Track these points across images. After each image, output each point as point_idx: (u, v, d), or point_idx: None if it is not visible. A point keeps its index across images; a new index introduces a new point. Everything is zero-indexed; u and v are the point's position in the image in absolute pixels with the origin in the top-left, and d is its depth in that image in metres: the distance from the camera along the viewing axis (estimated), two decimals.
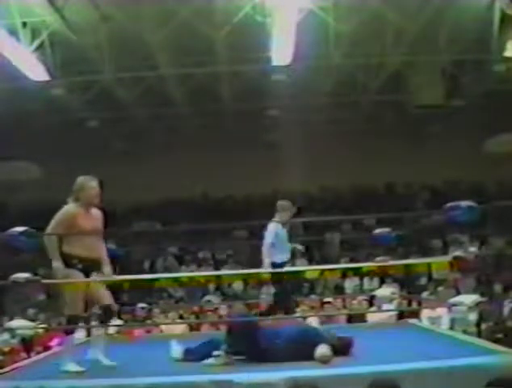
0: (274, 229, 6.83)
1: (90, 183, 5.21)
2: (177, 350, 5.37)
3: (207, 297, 12.92)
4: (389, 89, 14.76)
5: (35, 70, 12.03)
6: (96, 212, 5.21)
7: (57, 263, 4.89)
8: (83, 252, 4.98)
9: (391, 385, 3.38)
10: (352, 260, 13.91)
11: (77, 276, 4.95)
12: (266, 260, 6.80)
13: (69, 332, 5.06)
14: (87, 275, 5.00)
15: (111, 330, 8.22)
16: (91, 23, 11.66)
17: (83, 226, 5.02)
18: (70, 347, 5.04)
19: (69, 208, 5.10)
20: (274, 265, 6.80)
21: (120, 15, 11.58)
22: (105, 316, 5.12)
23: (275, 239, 6.82)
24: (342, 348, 5.03)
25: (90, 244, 5.04)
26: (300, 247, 7.35)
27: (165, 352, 5.46)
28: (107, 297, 5.11)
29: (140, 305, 10.27)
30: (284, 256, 6.92)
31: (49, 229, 4.98)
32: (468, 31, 12.44)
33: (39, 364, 5.57)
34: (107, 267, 5.17)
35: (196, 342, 5.47)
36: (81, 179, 5.25)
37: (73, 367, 4.83)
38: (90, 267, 5.01)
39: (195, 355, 5.22)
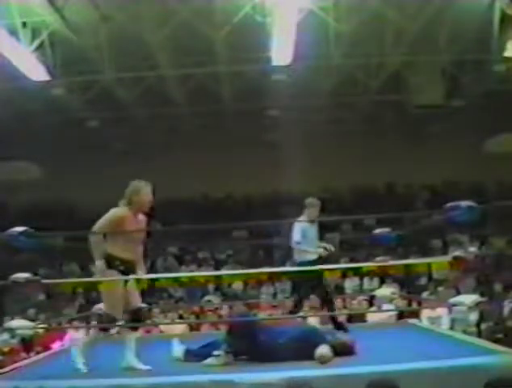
0: (300, 227, 6.76)
1: (145, 189, 5.13)
2: (178, 350, 5.36)
3: (207, 297, 12.93)
4: (389, 89, 14.75)
5: (35, 70, 12.03)
6: (141, 217, 5.18)
7: (99, 262, 4.88)
8: (126, 254, 4.98)
9: (389, 385, 3.38)
10: (352, 260, 13.91)
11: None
12: (306, 250, 6.75)
13: (105, 330, 5.08)
14: (126, 276, 5.03)
15: (112, 330, 8.23)
16: (91, 23, 11.65)
17: (130, 231, 5.03)
18: (88, 344, 5.06)
19: (119, 211, 5.07)
20: (303, 264, 6.73)
21: (120, 15, 11.58)
22: (136, 318, 5.11)
23: (302, 237, 6.75)
24: (342, 350, 5.03)
25: (132, 247, 5.06)
26: (329, 246, 7.20)
27: (165, 352, 5.47)
28: (138, 300, 5.13)
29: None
30: (313, 254, 6.81)
31: (96, 228, 4.98)
32: (468, 31, 12.44)
33: (39, 364, 5.58)
34: (142, 270, 5.20)
35: (196, 342, 5.48)
36: (137, 184, 5.16)
37: (81, 365, 4.87)
38: (130, 268, 5.03)
39: (196, 357, 5.21)
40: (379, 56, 13.33)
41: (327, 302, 7.02)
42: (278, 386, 4.03)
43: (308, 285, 6.85)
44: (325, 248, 6.95)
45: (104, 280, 5.00)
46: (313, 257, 6.81)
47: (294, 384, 3.88)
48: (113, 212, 5.05)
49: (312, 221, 6.80)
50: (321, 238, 7.20)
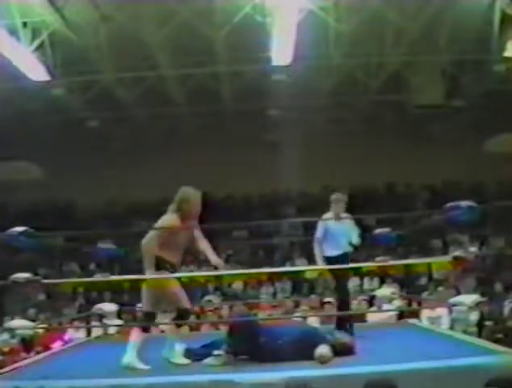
0: (322, 224, 6.60)
1: (195, 197, 5.24)
2: (179, 351, 5.33)
3: (207, 297, 12.92)
4: (389, 89, 14.75)
5: (35, 70, 12.03)
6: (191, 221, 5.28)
7: (151, 271, 5.04)
8: (172, 258, 5.14)
9: (387, 385, 3.37)
10: (352, 260, 13.88)
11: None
12: (316, 254, 6.58)
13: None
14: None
15: (111, 330, 8.25)
16: (91, 23, 11.66)
17: (178, 237, 5.17)
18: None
19: (168, 219, 5.19)
20: (325, 260, 6.54)
21: (120, 15, 11.58)
22: (182, 317, 5.19)
23: (324, 233, 6.57)
24: (342, 350, 5.03)
25: (178, 251, 5.21)
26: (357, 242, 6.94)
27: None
28: (186, 301, 5.18)
29: (139, 305, 10.23)
30: (336, 251, 6.55)
31: (149, 236, 5.08)
32: (468, 31, 12.44)
33: (39, 364, 5.57)
34: (217, 258, 5.32)
35: (196, 342, 5.47)
36: (187, 192, 5.26)
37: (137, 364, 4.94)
38: (175, 270, 5.17)
39: (197, 356, 5.20)
40: (379, 56, 13.33)
41: (344, 302, 6.78)
42: (278, 386, 4.03)
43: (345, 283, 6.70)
44: (354, 246, 6.72)
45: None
46: (335, 253, 6.54)
47: (294, 384, 3.88)
48: (162, 222, 5.17)
49: (338, 218, 6.56)
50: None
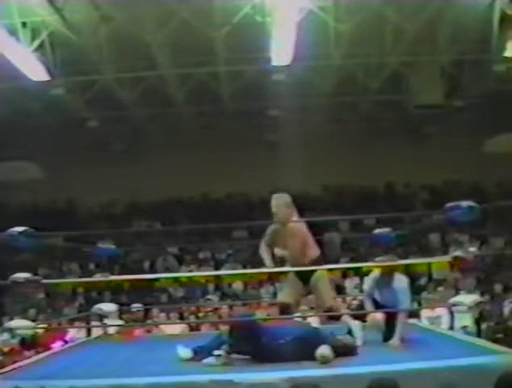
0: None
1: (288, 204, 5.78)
2: (185, 351, 5.27)
3: (207, 297, 12.94)
4: (389, 89, 14.75)
5: (35, 70, 12.03)
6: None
7: (268, 263, 5.89)
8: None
9: (389, 385, 3.37)
10: (352, 260, 13.90)
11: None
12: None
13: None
14: None
15: (111, 330, 8.24)
16: (91, 23, 11.66)
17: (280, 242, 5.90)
18: None
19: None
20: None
21: (120, 15, 11.58)
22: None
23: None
24: (343, 350, 5.02)
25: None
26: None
27: (165, 352, 5.46)
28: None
29: (135, 305, 10.25)
30: None
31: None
32: (468, 31, 12.44)
33: (40, 364, 5.57)
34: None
35: (196, 342, 5.47)
36: (283, 199, 5.82)
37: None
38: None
39: (197, 356, 5.17)
40: (379, 56, 13.33)
41: None
42: (278, 386, 4.03)
43: None
44: None
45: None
46: None
47: (295, 384, 3.88)
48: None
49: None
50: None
